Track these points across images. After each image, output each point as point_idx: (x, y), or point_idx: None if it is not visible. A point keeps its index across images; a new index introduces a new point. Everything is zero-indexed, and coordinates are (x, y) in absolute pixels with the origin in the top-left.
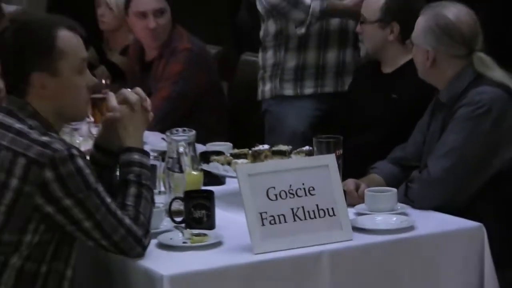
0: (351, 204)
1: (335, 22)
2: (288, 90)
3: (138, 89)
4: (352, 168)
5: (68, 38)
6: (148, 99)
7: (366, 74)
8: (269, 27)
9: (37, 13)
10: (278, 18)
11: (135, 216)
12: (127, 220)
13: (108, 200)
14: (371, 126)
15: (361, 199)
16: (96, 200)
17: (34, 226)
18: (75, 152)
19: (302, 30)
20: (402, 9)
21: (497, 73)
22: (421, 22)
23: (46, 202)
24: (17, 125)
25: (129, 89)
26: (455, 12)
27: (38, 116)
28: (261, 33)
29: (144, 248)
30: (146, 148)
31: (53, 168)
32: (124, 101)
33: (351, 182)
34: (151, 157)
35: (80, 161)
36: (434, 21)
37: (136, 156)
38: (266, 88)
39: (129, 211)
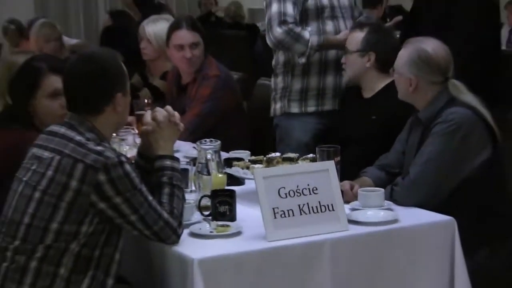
0: (347, 201)
1: (332, 53)
2: (295, 108)
3: (168, 107)
4: (347, 172)
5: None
6: (176, 114)
7: (352, 98)
8: (279, 57)
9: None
10: (283, 50)
11: (171, 210)
12: (165, 214)
13: (150, 198)
14: (357, 141)
15: (355, 197)
16: (140, 198)
17: (90, 219)
18: (123, 159)
19: (303, 60)
20: (378, 41)
21: (467, 97)
22: (404, 55)
23: (100, 200)
24: (77, 137)
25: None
26: (432, 47)
27: (95, 130)
28: (273, 62)
29: (179, 236)
30: (180, 155)
31: (106, 172)
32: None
33: (346, 183)
34: (184, 162)
35: (127, 167)
36: (416, 54)
37: (167, 162)
38: (277, 107)
39: (165, 207)
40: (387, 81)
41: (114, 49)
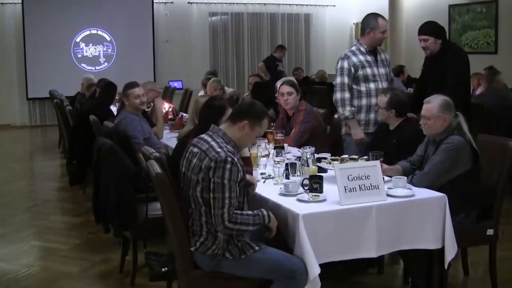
0: (384, 174)
1: (373, 101)
2: None
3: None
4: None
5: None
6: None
7: (383, 129)
8: None
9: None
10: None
11: (234, 219)
12: (225, 212)
13: (228, 195)
14: (386, 154)
15: (385, 171)
16: (221, 187)
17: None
18: (229, 159)
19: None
20: (396, 102)
21: (464, 126)
22: (434, 105)
23: (209, 176)
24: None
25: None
26: (446, 98)
27: (226, 135)
28: None
29: (225, 227)
30: (291, 155)
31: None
32: None
33: (383, 165)
34: (293, 159)
35: (228, 165)
36: (442, 101)
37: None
38: (343, 130)
39: (234, 215)
40: (400, 120)
41: (258, 95)
